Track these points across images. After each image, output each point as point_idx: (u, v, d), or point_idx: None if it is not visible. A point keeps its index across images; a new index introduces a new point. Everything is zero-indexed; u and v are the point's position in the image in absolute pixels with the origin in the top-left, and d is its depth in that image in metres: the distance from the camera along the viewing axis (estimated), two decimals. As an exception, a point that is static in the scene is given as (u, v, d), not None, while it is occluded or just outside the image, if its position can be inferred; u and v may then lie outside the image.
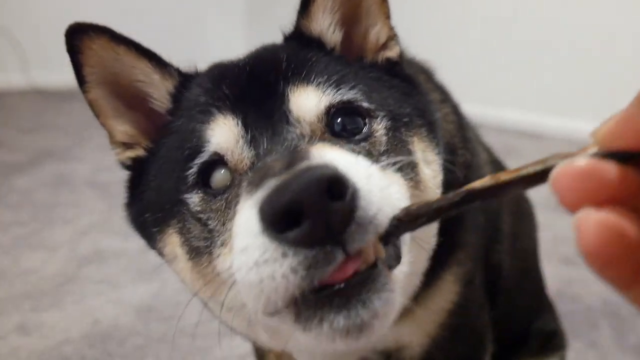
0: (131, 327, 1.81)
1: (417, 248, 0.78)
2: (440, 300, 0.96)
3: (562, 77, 4.28)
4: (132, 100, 0.93)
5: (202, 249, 0.76)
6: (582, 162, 0.36)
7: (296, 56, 0.85)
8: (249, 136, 0.76)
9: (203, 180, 0.78)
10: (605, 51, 3.98)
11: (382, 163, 0.74)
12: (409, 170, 0.77)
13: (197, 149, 0.78)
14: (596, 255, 0.34)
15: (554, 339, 1.42)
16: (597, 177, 0.35)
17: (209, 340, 1.70)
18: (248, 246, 0.60)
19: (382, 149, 0.78)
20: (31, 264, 2.22)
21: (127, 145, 0.93)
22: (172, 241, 0.82)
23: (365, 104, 0.81)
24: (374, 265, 0.61)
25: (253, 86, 0.81)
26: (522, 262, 1.32)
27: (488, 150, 1.26)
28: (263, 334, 0.85)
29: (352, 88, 0.81)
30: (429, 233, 0.86)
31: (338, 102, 0.79)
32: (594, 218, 0.34)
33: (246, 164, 0.75)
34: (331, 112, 0.79)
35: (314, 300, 0.60)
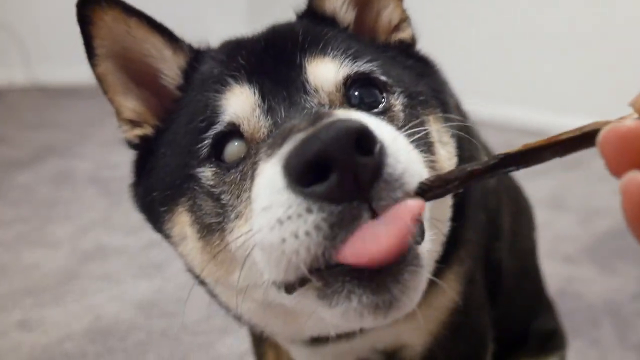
0: (133, 323, 1.81)
1: (433, 230, 0.76)
2: (441, 299, 0.95)
3: (566, 75, 4.26)
4: (141, 77, 0.90)
5: (214, 226, 0.73)
6: (630, 122, 0.35)
7: (312, 30, 0.84)
8: (266, 105, 0.74)
9: (216, 153, 0.75)
10: (611, 49, 3.96)
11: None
12: (425, 148, 0.75)
13: (211, 120, 0.76)
14: None
15: (553, 339, 1.41)
16: None
17: (211, 337, 1.71)
18: (271, 203, 0.57)
19: (400, 124, 0.76)
20: (33, 260, 2.23)
21: (134, 123, 0.91)
22: (182, 220, 0.79)
23: (383, 77, 0.80)
24: None
25: (269, 57, 0.79)
26: (521, 261, 1.32)
27: (486, 149, 1.26)
28: (275, 319, 0.82)
29: (368, 61, 0.80)
30: (445, 216, 0.84)
31: (355, 73, 0.78)
32: None
33: (263, 133, 0.72)
34: (348, 83, 0.77)
35: (342, 272, 0.57)
